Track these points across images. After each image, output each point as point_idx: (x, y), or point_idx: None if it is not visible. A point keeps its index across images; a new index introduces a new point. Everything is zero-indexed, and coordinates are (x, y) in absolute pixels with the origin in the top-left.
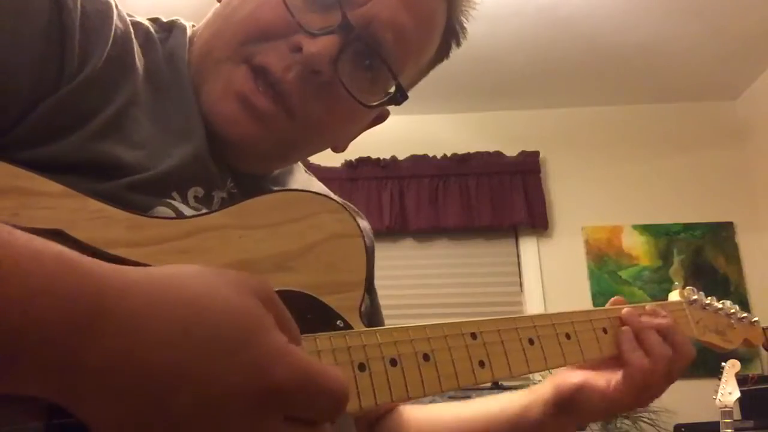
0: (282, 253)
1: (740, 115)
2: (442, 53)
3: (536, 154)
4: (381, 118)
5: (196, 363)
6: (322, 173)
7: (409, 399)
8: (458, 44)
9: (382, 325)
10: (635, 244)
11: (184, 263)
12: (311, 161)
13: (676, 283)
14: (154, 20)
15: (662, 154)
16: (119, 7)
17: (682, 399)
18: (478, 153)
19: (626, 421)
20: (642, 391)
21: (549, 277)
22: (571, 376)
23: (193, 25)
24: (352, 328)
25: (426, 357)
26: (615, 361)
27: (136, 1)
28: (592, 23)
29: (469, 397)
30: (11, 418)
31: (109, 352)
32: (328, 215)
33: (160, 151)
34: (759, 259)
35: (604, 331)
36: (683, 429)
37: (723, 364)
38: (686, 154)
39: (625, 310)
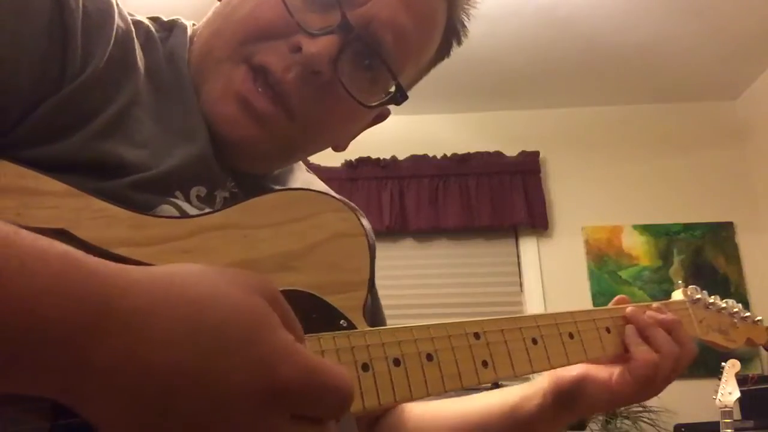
0: (285, 253)
1: (740, 115)
2: (443, 52)
3: (536, 154)
4: (381, 116)
5: (202, 362)
6: (322, 173)
7: (412, 399)
8: (459, 43)
9: (384, 323)
10: (635, 244)
11: (188, 263)
12: (311, 161)
13: (680, 282)
14: (155, 19)
15: (662, 154)
16: (120, 5)
17: (682, 399)
18: (478, 153)
19: (626, 421)
20: (645, 385)
21: (549, 277)
22: (570, 369)
23: (194, 24)
24: (355, 327)
25: (429, 357)
26: (617, 357)
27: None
28: (592, 23)
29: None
30: (17, 418)
31: (114, 352)
32: (332, 214)
33: (162, 151)
34: (759, 259)
35: (608, 330)
36: (683, 429)
37: (723, 364)
38: (686, 154)
39: (630, 308)
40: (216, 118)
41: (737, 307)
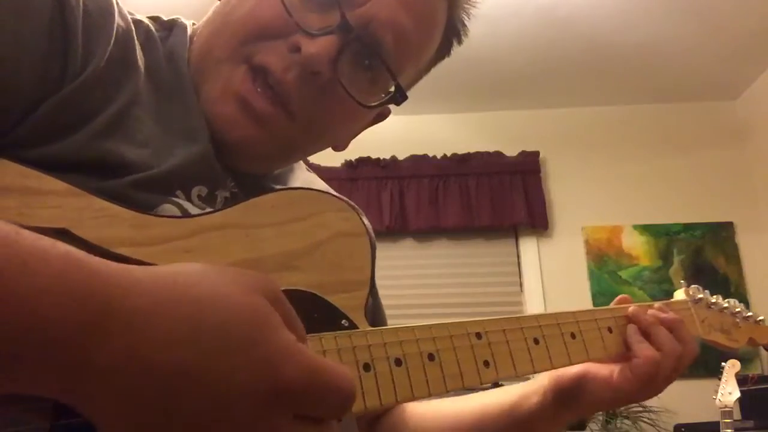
0: (287, 252)
1: (740, 115)
2: (444, 51)
3: (536, 154)
4: (382, 115)
5: (204, 361)
6: (322, 173)
7: (414, 399)
8: (460, 42)
9: (385, 322)
10: (635, 244)
11: (189, 262)
12: (311, 161)
13: (682, 281)
14: (155, 19)
15: (662, 154)
16: (120, 4)
17: (682, 399)
18: (478, 153)
19: (626, 421)
20: (647, 384)
21: (549, 277)
22: (571, 367)
23: (194, 24)
24: (357, 327)
25: (431, 357)
26: (619, 357)
27: None
28: (592, 23)
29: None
30: (18, 418)
31: (115, 351)
32: (334, 214)
33: (163, 150)
34: (759, 259)
35: (609, 330)
36: (683, 429)
37: (723, 364)
38: (686, 154)
39: (632, 308)
40: (215, 119)
41: (739, 306)
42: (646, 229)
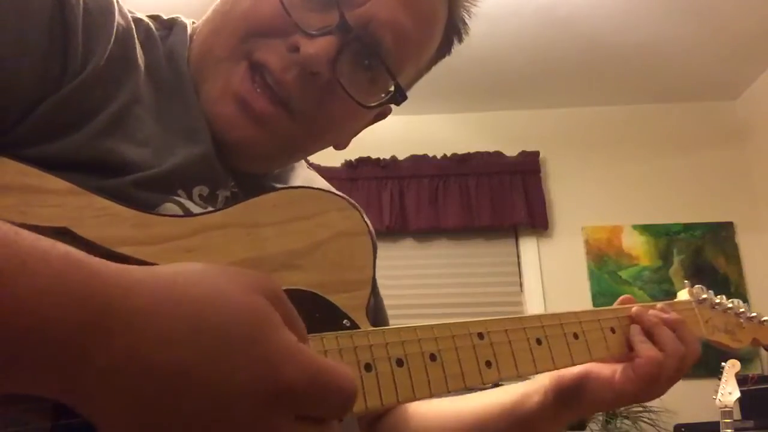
0: (289, 252)
1: (740, 115)
2: (444, 50)
3: (536, 154)
4: (383, 114)
5: (204, 362)
6: (322, 173)
7: (415, 399)
8: (460, 40)
9: (386, 322)
10: (635, 244)
11: (190, 262)
12: (311, 161)
13: (686, 282)
14: (155, 18)
15: (662, 154)
16: (120, 3)
17: (682, 399)
18: (478, 153)
19: (626, 421)
20: (649, 384)
21: (549, 277)
22: (573, 367)
23: (194, 23)
24: (358, 327)
25: (432, 357)
26: (622, 357)
27: None
28: (592, 23)
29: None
30: (18, 418)
31: (115, 351)
32: (336, 213)
33: (164, 150)
34: (759, 259)
35: (612, 330)
36: (683, 429)
37: (723, 364)
38: (686, 154)
39: (635, 308)
40: (215, 119)
41: (743, 307)
42: (646, 229)
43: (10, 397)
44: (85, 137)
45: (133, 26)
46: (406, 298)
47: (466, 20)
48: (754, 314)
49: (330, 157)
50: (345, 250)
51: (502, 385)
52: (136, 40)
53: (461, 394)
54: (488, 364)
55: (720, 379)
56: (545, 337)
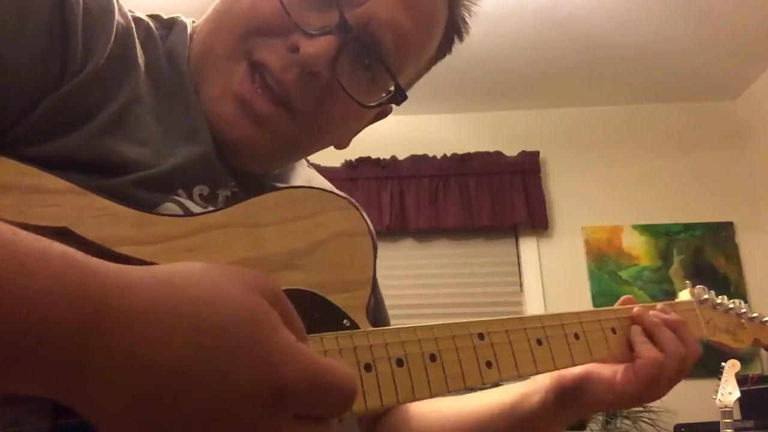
0: (289, 251)
1: (740, 115)
2: (445, 49)
3: (536, 154)
4: (383, 113)
5: (203, 361)
6: (322, 173)
7: (415, 399)
8: (461, 39)
9: (387, 321)
10: (635, 244)
11: (192, 261)
12: (311, 161)
13: (687, 282)
14: (155, 17)
15: (662, 154)
16: (120, 2)
17: (682, 399)
18: (478, 153)
19: (626, 421)
20: (650, 385)
21: (549, 277)
22: (573, 368)
23: (194, 22)
24: (358, 327)
25: (433, 357)
26: (623, 358)
27: None
28: (592, 23)
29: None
30: (17, 418)
31: (114, 351)
32: (336, 212)
33: (164, 149)
34: (759, 259)
35: (613, 331)
36: (683, 429)
37: (723, 364)
38: (686, 154)
39: (636, 309)
40: (215, 119)
41: (744, 307)
42: (646, 229)
43: (9, 397)
44: (85, 136)
45: (133, 25)
46: (406, 298)
47: (467, 19)
48: (755, 314)
49: (330, 157)
50: (345, 250)
51: (502, 385)
52: (136, 40)
53: (461, 394)
54: (489, 364)
55: (720, 379)
56: (546, 338)
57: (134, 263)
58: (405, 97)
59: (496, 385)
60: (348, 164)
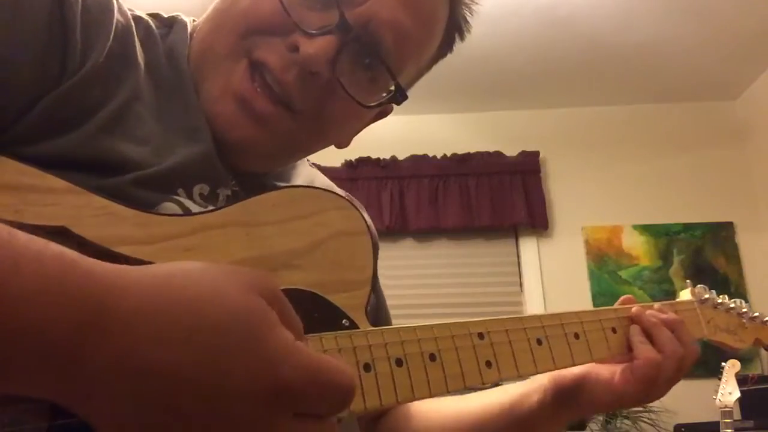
0: (289, 251)
1: (740, 115)
2: (445, 48)
3: (536, 154)
4: (384, 113)
5: (201, 361)
6: (322, 173)
7: (414, 399)
8: (462, 38)
9: (388, 320)
10: (635, 244)
11: (190, 261)
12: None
13: (688, 281)
14: (155, 16)
15: (662, 154)
16: (120, 1)
17: (682, 399)
18: (478, 153)
19: (626, 421)
20: (649, 386)
21: (549, 277)
22: (572, 368)
23: (194, 21)
24: (357, 327)
25: (432, 357)
26: (623, 358)
27: None
28: (592, 23)
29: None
30: (16, 418)
31: (113, 351)
32: (336, 212)
33: (164, 148)
34: (759, 259)
35: (614, 330)
36: (683, 429)
37: (723, 364)
38: (686, 154)
39: (635, 308)
40: (215, 118)
41: (745, 307)
42: (646, 229)
43: (7, 398)
44: (84, 135)
45: (133, 24)
46: (406, 298)
47: (468, 18)
48: (756, 314)
49: (330, 157)
50: (344, 250)
51: (502, 385)
52: (136, 38)
53: (461, 394)
54: (488, 364)
55: (720, 379)
56: (546, 337)
57: (133, 263)
58: (405, 97)
59: (496, 385)
60: (348, 164)
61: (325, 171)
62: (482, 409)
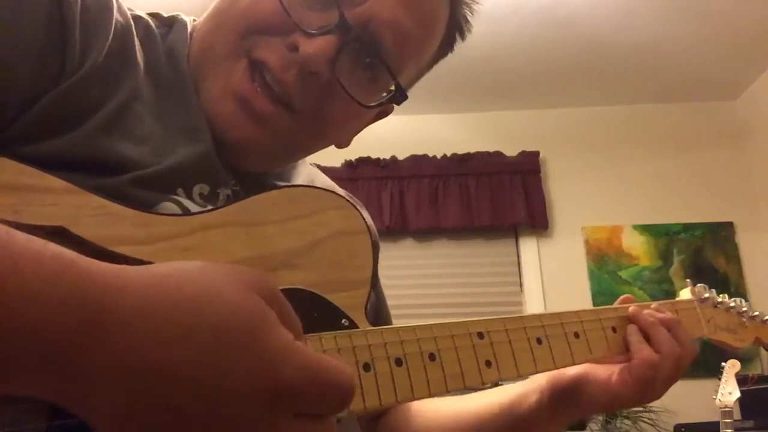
0: (288, 251)
1: (740, 115)
2: (446, 47)
3: (536, 154)
4: (385, 113)
5: (201, 361)
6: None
7: (414, 399)
8: (463, 38)
9: (389, 320)
10: (635, 244)
11: (189, 261)
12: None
13: (688, 280)
14: (155, 15)
15: (662, 154)
16: (119, 0)
17: (682, 399)
18: (478, 153)
19: (626, 421)
20: (646, 387)
21: (549, 277)
22: (570, 368)
23: (194, 20)
24: (357, 326)
25: (432, 356)
26: (621, 357)
27: None
28: (592, 23)
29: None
30: (15, 418)
31: (110, 352)
32: (335, 212)
33: (164, 148)
34: (759, 259)
35: (614, 330)
36: (683, 429)
37: (723, 364)
38: (686, 154)
39: (632, 308)
40: (215, 118)
41: (745, 306)
42: (646, 229)
43: (7, 398)
44: (83, 135)
45: (133, 24)
46: (406, 298)
47: (469, 17)
48: (756, 313)
49: (330, 157)
50: (344, 249)
51: (501, 384)
52: (135, 38)
53: (461, 394)
54: (488, 363)
55: (720, 379)
56: (546, 337)
57: (132, 263)
58: (405, 97)
59: (497, 384)
60: (348, 164)
61: (325, 171)
62: (482, 409)
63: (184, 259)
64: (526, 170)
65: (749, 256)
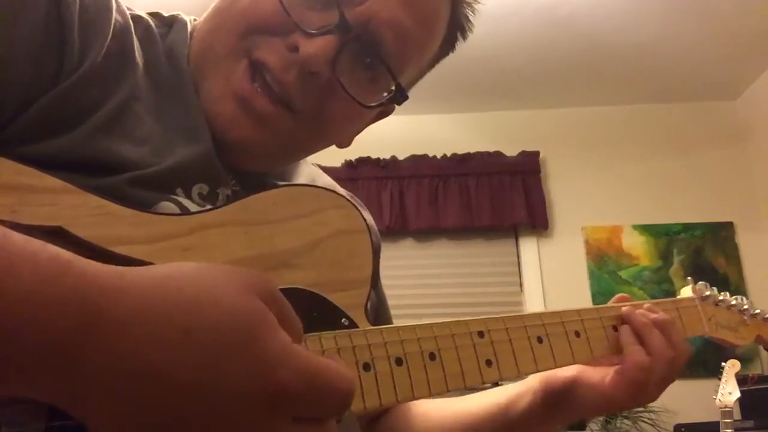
0: (288, 250)
1: (740, 115)
2: (447, 47)
3: (536, 154)
4: (385, 113)
5: (200, 363)
6: None
7: (414, 399)
8: (464, 38)
9: (389, 320)
10: (635, 244)
11: (188, 261)
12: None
13: (689, 278)
14: (155, 15)
15: (662, 154)
16: (119, 0)
17: (682, 399)
18: (478, 153)
19: (626, 421)
20: (638, 389)
21: (549, 277)
22: (564, 369)
23: (194, 20)
24: (357, 326)
25: (432, 356)
26: (618, 358)
27: None
28: (592, 23)
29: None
30: (13, 419)
31: (109, 352)
32: (335, 211)
33: (163, 148)
34: (759, 259)
35: (614, 328)
36: (683, 429)
37: (723, 364)
38: (686, 154)
39: (625, 308)
40: (215, 118)
41: (747, 303)
42: (645, 229)
43: (5, 399)
44: (82, 135)
45: (132, 23)
46: (406, 298)
47: (470, 17)
48: (757, 311)
49: (330, 157)
50: (344, 249)
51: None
52: (135, 38)
53: (462, 393)
54: (489, 362)
55: (720, 379)
56: (546, 335)
57: (131, 263)
58: (406, 97)
59: (497, 384)
60: (348, 164)
61: (326, 171)
62: (481, 409)
63: (183, 259)
64: (526, 170)
65: (749, 256)
